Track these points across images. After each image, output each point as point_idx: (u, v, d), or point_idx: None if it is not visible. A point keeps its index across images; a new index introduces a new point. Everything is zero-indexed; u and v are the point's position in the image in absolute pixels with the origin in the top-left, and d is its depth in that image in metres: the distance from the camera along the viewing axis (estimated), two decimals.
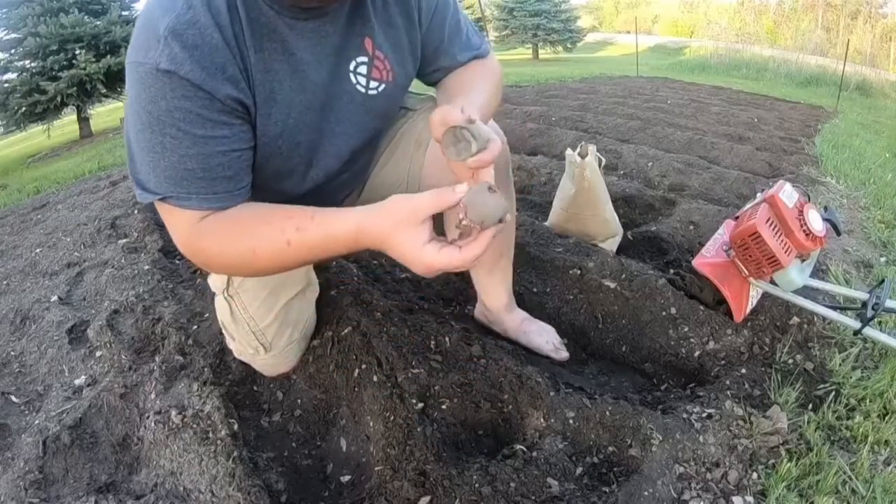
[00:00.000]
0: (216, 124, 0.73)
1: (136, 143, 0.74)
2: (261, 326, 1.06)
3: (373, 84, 0.88)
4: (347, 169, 0.98)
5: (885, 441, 0.96)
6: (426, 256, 0.67)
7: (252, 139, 0.78)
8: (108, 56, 6.82)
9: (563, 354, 1.23)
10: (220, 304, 1.07)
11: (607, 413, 0.97)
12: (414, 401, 1.02)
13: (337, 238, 0.71)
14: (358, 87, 0.87)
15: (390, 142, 1.07)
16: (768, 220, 1.10)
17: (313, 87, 0.81)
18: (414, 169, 1.04)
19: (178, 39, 0.67)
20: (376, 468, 0.93)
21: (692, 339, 1.21)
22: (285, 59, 0.77)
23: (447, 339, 1.17)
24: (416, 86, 1.02)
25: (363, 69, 0.86)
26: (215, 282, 1.06)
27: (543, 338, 1.24)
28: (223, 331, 1.13)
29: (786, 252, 1.09)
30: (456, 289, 1.51)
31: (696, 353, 1.19)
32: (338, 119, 0.87)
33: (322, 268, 1.35)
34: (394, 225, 0.68)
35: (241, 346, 1.10)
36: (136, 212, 2.27)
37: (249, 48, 0.74)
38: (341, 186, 1.02)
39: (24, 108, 6.72)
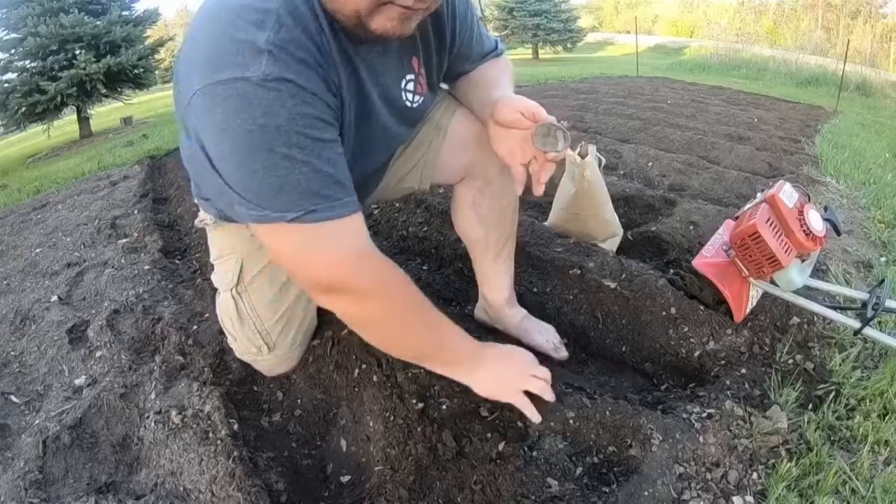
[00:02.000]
0: (332, 127, 0.73)
1: (243, 168, 0.68)
2: (266, 326, 1.06)
3: (416, 98, 0.93)
4: (381, 171, 1.02)
5: (885, 441, 0.96)
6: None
7: None
8: (108, 56, 6.82)
9: (563, 353, 1.23)
10: (226, 303, 1.07)
11: (607, 413, 0.97)
12: (414, 401, 1.02)
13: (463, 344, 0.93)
14: (406, 101, 0.91)
15: None
16: (768, 220, 1.10)
17: (373, 106, 0.84)
18: (431, 154, 1.08)
19: (284, 51, 0.66)
20: (376, 468, 0.93)
21: (692, 339, 1.21)
22: (355, 80, 0.79)
23: None
24: None
25: (410, 85, 0.91)
26: (223, 278, 1.06)
27: (543, 336, 1.24)
28: (224, 330, 1.13)
29: (786, 252, 1.09)
30: (456, 289, 1.51)
31: (696, 353, 1.19)
32: (388, 134, 0.92)
33: None
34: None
35: (244, 346, 1.10)
36: (135, 212, 2.27)
37: (339, 67, 0.75)
38: (368, 185, 1.05)
39: (24, 108, 6.73)
